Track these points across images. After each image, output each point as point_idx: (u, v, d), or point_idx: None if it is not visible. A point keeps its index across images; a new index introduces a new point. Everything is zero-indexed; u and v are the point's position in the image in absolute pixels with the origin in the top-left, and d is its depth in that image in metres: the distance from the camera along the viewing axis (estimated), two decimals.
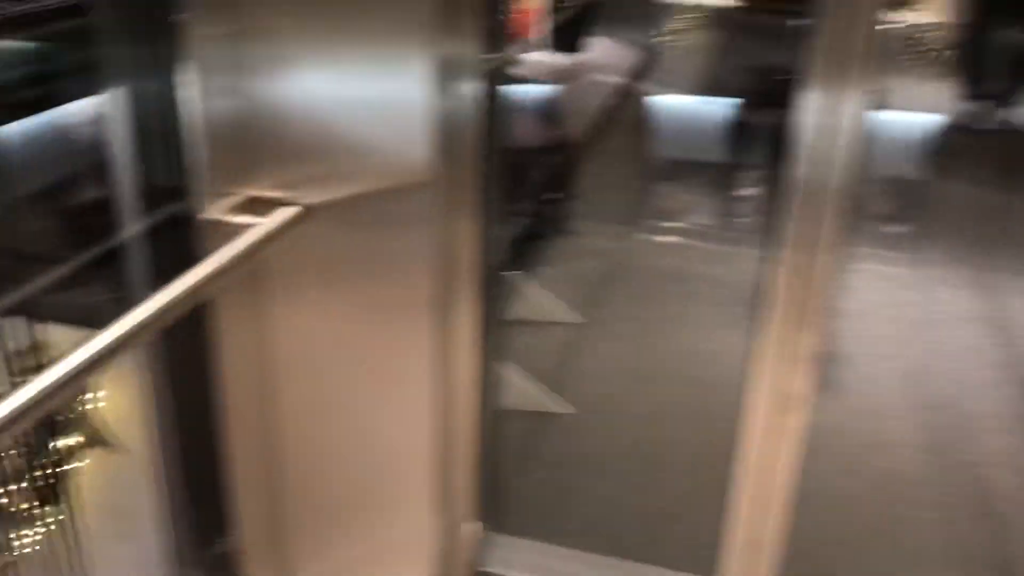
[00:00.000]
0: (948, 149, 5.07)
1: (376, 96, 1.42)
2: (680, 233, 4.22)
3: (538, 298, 3.44)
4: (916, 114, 5.33)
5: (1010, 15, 4.97)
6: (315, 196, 1.49)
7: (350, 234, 1.52)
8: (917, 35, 6.90)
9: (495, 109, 1.74)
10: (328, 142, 1.46)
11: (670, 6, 6.88)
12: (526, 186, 3.82)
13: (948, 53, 6.09)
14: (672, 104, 5.57)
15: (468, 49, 1.49)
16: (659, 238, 4.19)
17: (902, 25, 6.42)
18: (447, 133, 1.45)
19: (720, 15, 5.85)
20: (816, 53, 1.36)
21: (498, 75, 1.74)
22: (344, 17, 1.40)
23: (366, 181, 1.47)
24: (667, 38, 6.59)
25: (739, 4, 5.21)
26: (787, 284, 1.49)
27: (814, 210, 1.44)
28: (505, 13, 3.15)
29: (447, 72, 1.42)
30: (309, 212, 1.48)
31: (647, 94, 5.60)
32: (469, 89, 1.51)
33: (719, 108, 4.81)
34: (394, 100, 1.41)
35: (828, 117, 1.39)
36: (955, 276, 3.75)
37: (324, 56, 1.42)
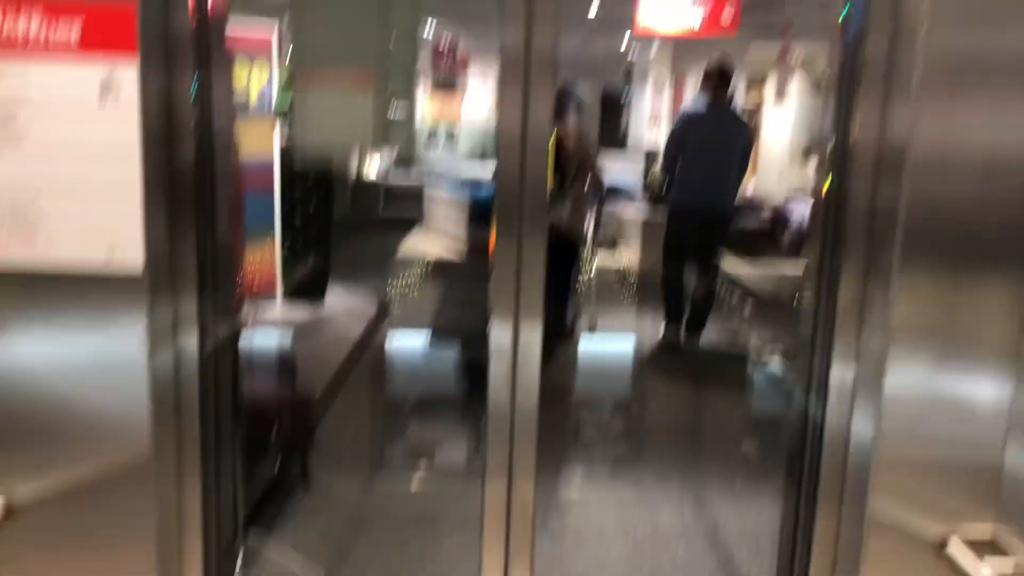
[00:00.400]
0: (654, 368, 5.69)
1: (89, 365, 1.42)
2: (427, 472, 4.31)
3: (280, 559, 3.32)
4: (626, 338, 5.99)
5: (684, 260, 5.83)
6: (21, 483, 1.43)
7: (63, 518, 1.46)
8: (623, 271, 7.88)
9: (226, 368, 1.79)
10: (35, 419, 1.42)
11: (402, 257, 7.39)
12: (265, 442, 3.78)
13: (648, 286, 6.99)
14: (409, 346, 5.84)
15: (191, 311, 1.55)
16: (406, 481, 4.25)
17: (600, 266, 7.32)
18: (168, 399, 1.48)
19: (442, 265, 6.39)
20: (495, 293, 1.60)
21: (230, 334, 1.81)
22: (52, 280, 1.42)
23: (78, 458, 1.43)
24: (400, 286, 7.00)
25: (457, 255, 5.73)
26: (493, 512, 1.62)
27: (504, 436, 1.61)
28: (236, 270, 3.26)
29: (168, 336, 1.48)
30: (15, 503, 1.42)
31: (385, 339, 5.84)
32: (192, 351, 1.56)
33: (450, 346, 5.14)
34: (109, 369, 1.42)
35: (506, 349, 1.60)
36: (671, 489, 4.11)
37: (30, 324, 1.42)
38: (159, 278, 1.46)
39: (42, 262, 1.43)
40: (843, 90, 1.63)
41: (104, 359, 1.44)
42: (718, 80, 5.55)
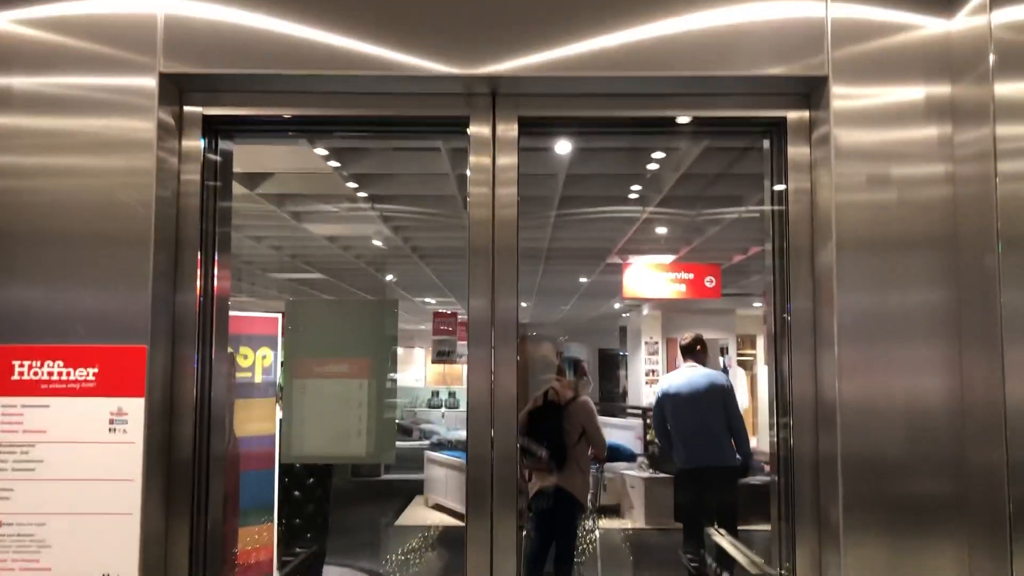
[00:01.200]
0: None
1: None
2: None
3: None
4: None
5: (699, 525, 5.74)
6: None
7: None
8: (628, 533, 7.69)
9: None
10: None
11: (403, 524, 7.26)
12: None
13: (655, 549, 6.79)
14: None
15: None
16: None
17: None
18: None
19: (445, 532, 6.26)
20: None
21: None
22: None
23: None
24: (401, 557, 6.83)
25: (460, 520, 5.65)
26: None
27: None
28: (229, 557, 3.23)
29: None
30: None
31: None
32: None
33: None
34: None
35: None
36: None
37: None
38: None
39: None
40: (778, 349, 1.77)
41: None
42: (689, 350, 5.94)
